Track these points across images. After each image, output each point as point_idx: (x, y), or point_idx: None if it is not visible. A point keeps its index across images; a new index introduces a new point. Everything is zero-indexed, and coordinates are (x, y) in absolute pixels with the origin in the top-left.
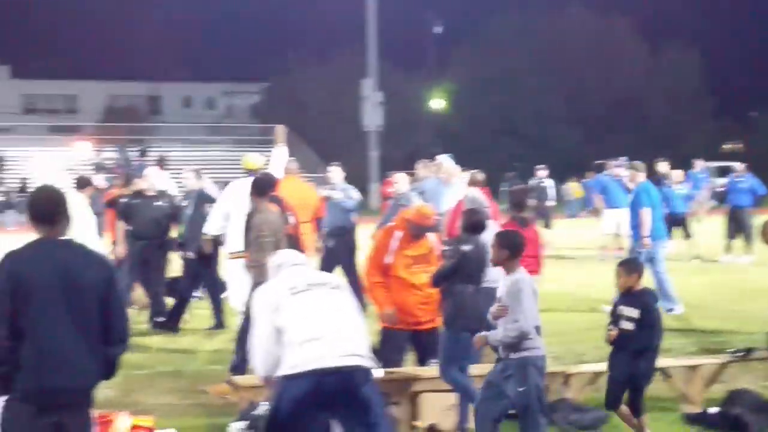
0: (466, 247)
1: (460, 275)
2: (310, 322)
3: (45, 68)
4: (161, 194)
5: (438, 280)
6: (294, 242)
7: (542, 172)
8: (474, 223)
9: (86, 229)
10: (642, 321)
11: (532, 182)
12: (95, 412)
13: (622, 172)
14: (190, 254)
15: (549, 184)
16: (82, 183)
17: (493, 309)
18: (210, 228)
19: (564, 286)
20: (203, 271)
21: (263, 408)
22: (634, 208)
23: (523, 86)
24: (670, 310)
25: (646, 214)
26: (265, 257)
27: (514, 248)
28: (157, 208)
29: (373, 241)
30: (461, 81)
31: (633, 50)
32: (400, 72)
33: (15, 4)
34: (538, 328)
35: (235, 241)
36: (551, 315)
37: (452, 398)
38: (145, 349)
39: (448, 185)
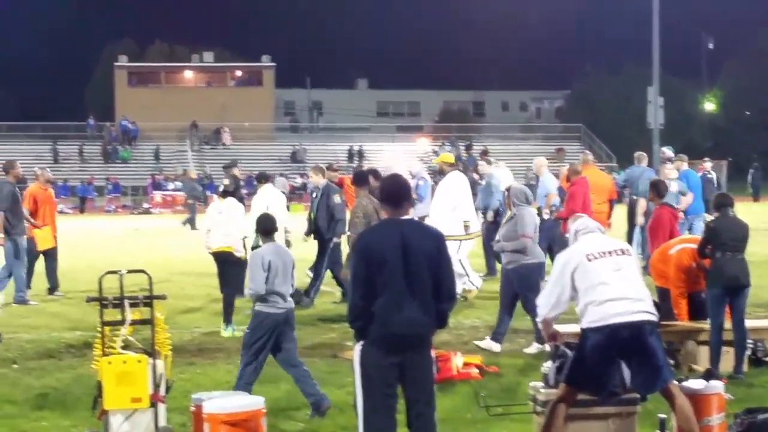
0: (711, 223)
1: (713, 244)
2: (608, 285)
3: (394, 80)
4: None
5: (700, 250)
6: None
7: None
8: (718, 202)
9: None
10: None
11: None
12: (435, 353)
13: None
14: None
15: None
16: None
17: None
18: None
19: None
20: None
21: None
22: None
23: None
24: None
25: None
26: (357, 233)
27: None
28: None
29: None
30: (730, 87)
31: None
32: (678, 79)
33: (370, 30)
34: None
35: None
36: None
37: (731, 348)
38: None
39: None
